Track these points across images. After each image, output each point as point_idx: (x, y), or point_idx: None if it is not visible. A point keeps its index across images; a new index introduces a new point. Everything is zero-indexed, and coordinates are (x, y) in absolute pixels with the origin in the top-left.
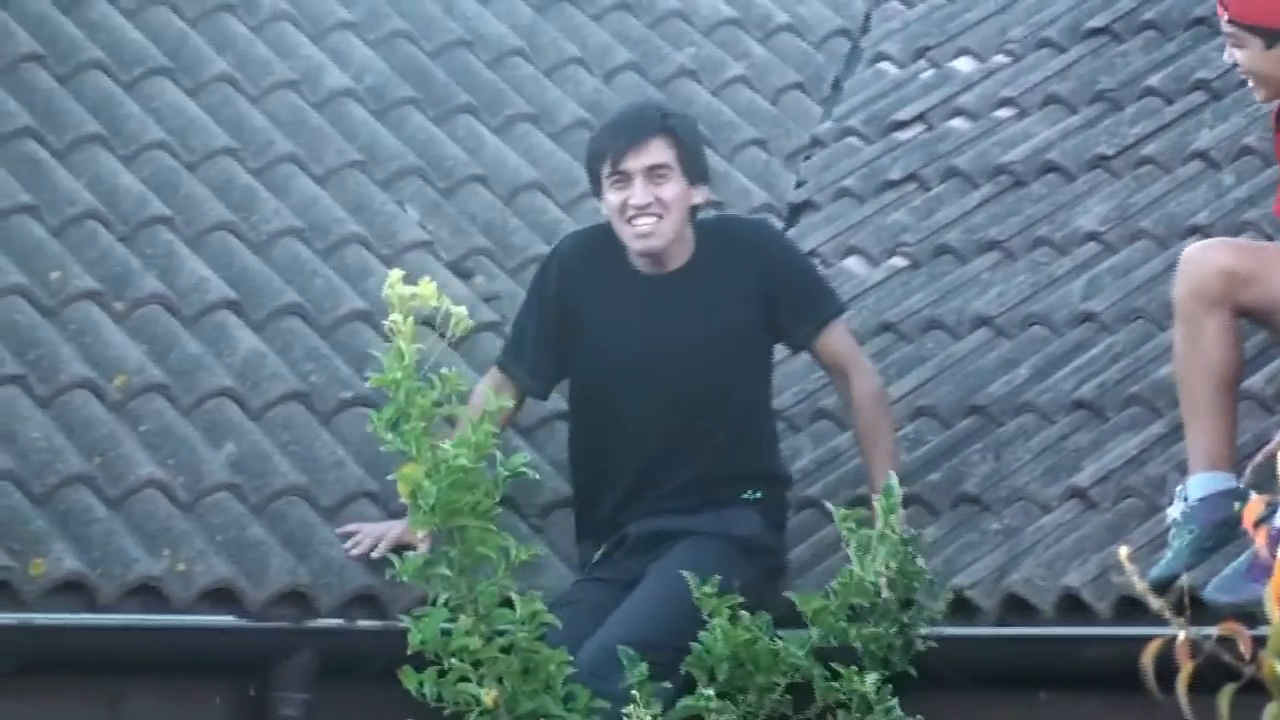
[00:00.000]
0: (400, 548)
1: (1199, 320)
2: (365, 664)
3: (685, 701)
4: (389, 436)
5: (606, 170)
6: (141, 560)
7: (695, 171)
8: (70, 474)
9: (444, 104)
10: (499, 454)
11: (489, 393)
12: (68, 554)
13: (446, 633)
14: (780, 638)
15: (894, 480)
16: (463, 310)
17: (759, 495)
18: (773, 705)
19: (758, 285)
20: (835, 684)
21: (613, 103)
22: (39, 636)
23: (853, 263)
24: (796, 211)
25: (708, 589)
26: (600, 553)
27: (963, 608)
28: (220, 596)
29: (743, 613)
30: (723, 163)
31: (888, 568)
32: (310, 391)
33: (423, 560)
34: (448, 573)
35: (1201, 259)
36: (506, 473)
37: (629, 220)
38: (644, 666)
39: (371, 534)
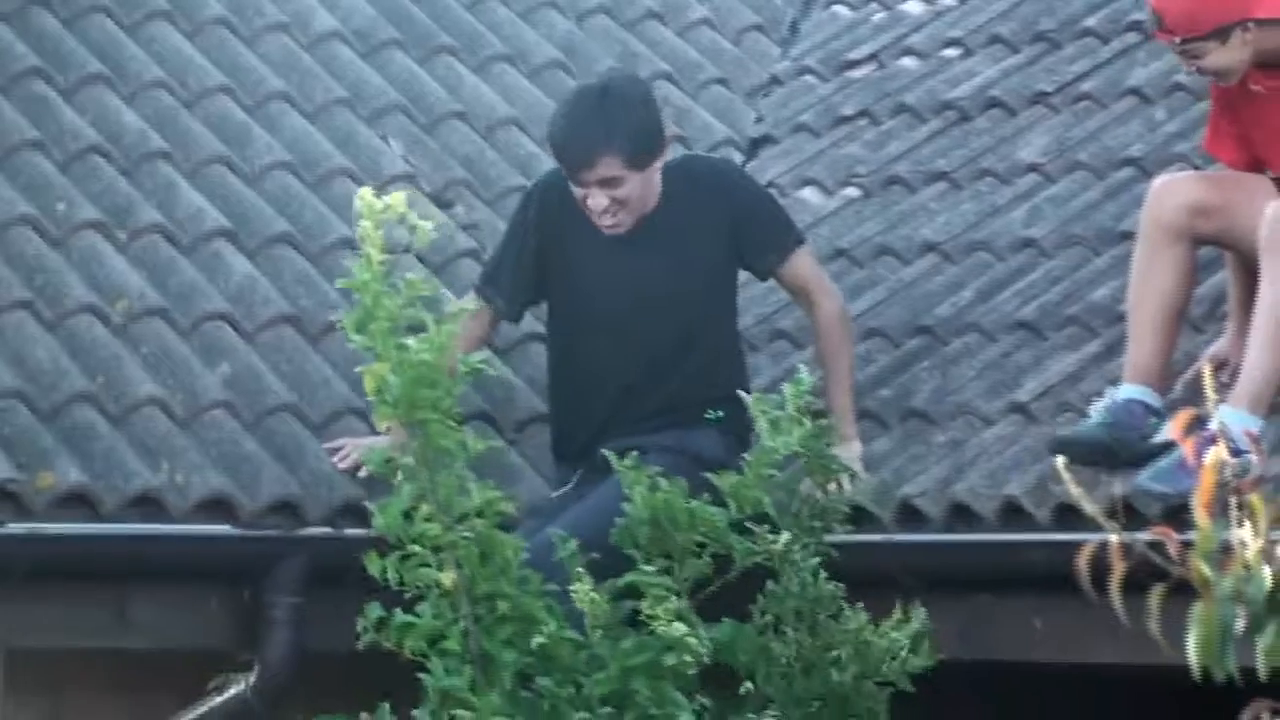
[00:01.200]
0: None
1: (1159, 249)
2: (352, 570)
3: (628, 578)
4: (356, 337)
5: (563, 170)
6: (142, 473)
7: (649, 158)
8: (75, 393)
9: (425, 45)
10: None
11: (464, 307)
12: (73, 468)
13: (408, 520)
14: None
15: (803, 372)
16: (427, 224)
17: (720, 415)
18: (698, 571)
19: (722, 221)
20: (752, 544)
21: (584, 45)
22: (47, 544)
23: (809, 193)
24: (756, 145)
25: (627, 462)
26: (576, 477)
27: (911, 515)
28: (216, 507)
29: (660, 480)
30: (687, 99)
31: (800, 451)
32: (300, 315)
33: (384, 452)
34: (410, 462)
35: (1169, 191)
36: (465, 369)
37: (591, 213)
38: (573, 544)
39: (357, 447)
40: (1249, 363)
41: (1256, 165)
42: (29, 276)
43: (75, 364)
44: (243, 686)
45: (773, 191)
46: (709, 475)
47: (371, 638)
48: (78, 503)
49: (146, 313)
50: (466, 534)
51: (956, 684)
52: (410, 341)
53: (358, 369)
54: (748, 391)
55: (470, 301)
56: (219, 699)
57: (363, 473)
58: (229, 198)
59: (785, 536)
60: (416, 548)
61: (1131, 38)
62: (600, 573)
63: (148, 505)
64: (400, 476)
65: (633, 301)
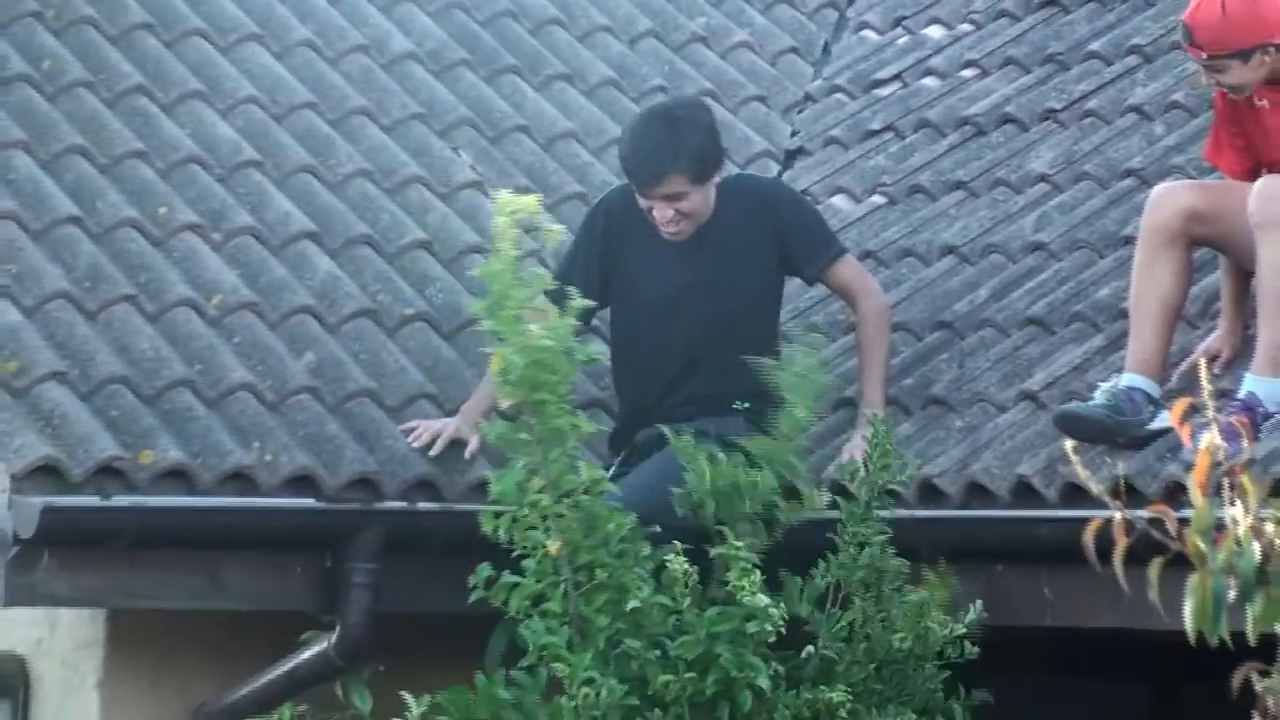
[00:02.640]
0: (452, 443)
1: (1158, 251)
2: (425, 540)
3: (718, 550)
4: (488, 320)
5: (633, 185)
6: (234, 452)
7: (709, 174)
8: (175, 379)
9: (492, 65)
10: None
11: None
12: (172, 446)
13: (521, 491)
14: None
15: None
16: (559, 227)
17: (747, 406)
18: (762, 540)
19: (769, 234)
20: (798, 502)
21: (635, 66)
22: (149, 516)
23: (839, 200)
24: (791, 157)
25: (685, 439)
26: (618, 460)
27: (931, 493)
28: (301, 482)
29: (719, 454)
30: (729, 115)
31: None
32: (378, 309)
33: (506, 426)
34: (527, 438)
35: (1167, 198)
36: (582, 358)
37: (656, 222)
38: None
39: (429, 429)
40: (1261, 332)
41: (1255, 173)
42: (133, 273)
43: (175, 353)
44: (324, 645)
45: (806, 198)
46: (741, 448)
47: (480, 594)
48: (177, 478)
49: (239, 306)
50: (572, 507)
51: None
52: (534, 327)
53: (485, 350)
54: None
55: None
56: (304, 655)
57: (433, 451)
58: (314, 203)
59: (826, 498)
60: (527, 512)
61: (1132, 60)
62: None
63: (240, 481)
64: (518, 449)
65: (680, 301)
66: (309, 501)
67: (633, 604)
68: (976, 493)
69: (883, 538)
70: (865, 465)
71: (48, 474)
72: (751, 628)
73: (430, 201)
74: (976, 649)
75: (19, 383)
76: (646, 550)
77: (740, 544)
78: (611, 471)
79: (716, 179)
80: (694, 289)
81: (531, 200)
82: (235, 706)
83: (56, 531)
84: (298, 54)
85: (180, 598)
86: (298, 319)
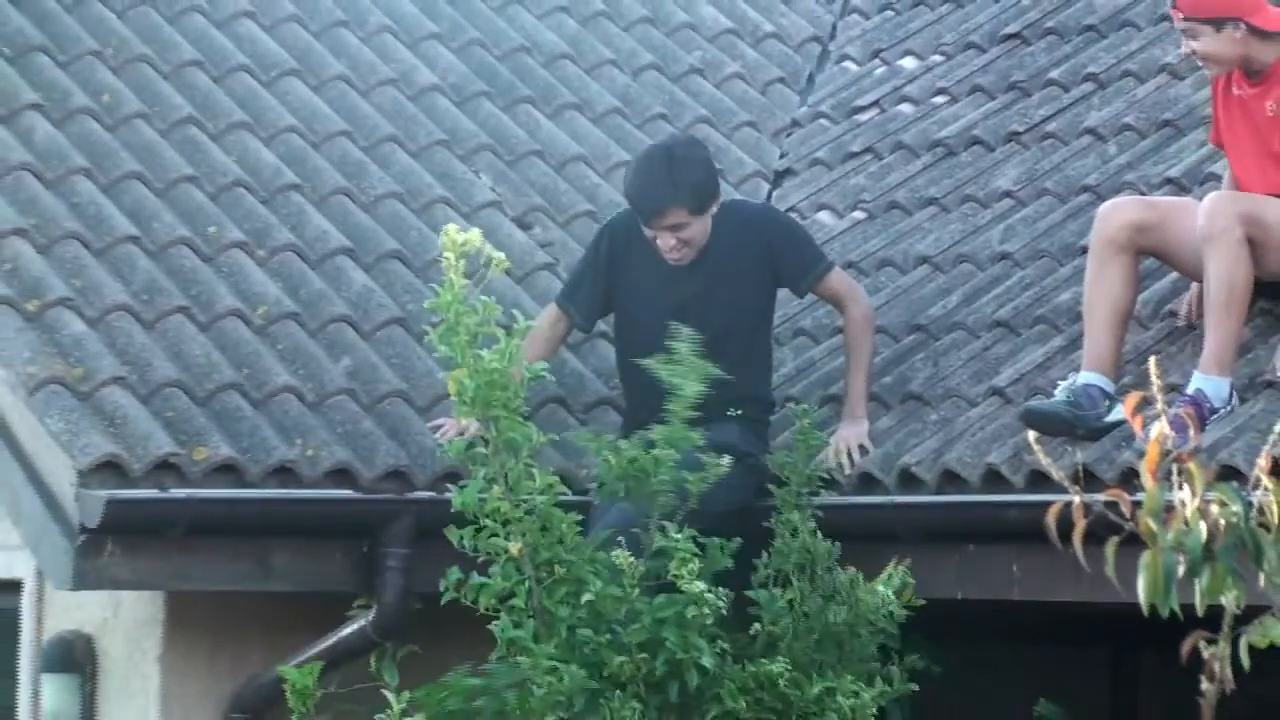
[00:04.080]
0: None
1: (1107, 260)
2: (454, 526)
3: (658, 543)
4: (441, 347)
5: (638, 217)
6: (279, 448)
7: (707, 206)
8: (224, 382)
9: (509, 96)
10: (525, 363)
11: (542, 325)
12: (223, 443)
13: (482, 499)
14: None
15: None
16: (501, 254)
17: (739, 413)
18: (664, 509)
19: (763, 256)
20: (701, 476)
21: (638, 96)
22: (202, 506)
23: (824, 215)
24: (780, 177)
25: (584, 434)
26: None
27: (910, 480)
28: (340, 475)
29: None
30: (723, 139)
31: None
32: (407, 318)
33: (465, 443)
34: (484, 451)
35: (1113, 213)
36: (530, 375)
37: (660, 249)
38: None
39: (454, 426)
40: (1208, 335)
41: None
42: (186, 287)
43: (224, 358)
44: (362, 622)
45: (794, 214)
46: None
47: (451, 595)
48: (227, 472)
49: (282, 316)
50: (529, 510)
51: (952, 622)
52: (484, 353)
53: (442, 375)
54: (770, 391)
55: (550, 312)
56: (344, 632)
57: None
58: (348, 222)
59: (727, 459)
60: (489, 521)
61: (1088, 87)
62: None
63: (284, 474)
64: (475, 463)
65: (675, 317)
66: (347, 492)
67: (586, 597)
68: (950, 479)
69: (812, 524)
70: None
71: (111, 469)
72: (691, 612)
73: (454, 220)
74: (905, 613)
75: (84, 387)
76: (595, 546)
77: (679, 535)
78: None
79: (714, 209)
80: (690, 307)
81: (475, 234)
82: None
83: (119, 521)
84: (333, 87)
85: (231, 580)
86: (335, 327)
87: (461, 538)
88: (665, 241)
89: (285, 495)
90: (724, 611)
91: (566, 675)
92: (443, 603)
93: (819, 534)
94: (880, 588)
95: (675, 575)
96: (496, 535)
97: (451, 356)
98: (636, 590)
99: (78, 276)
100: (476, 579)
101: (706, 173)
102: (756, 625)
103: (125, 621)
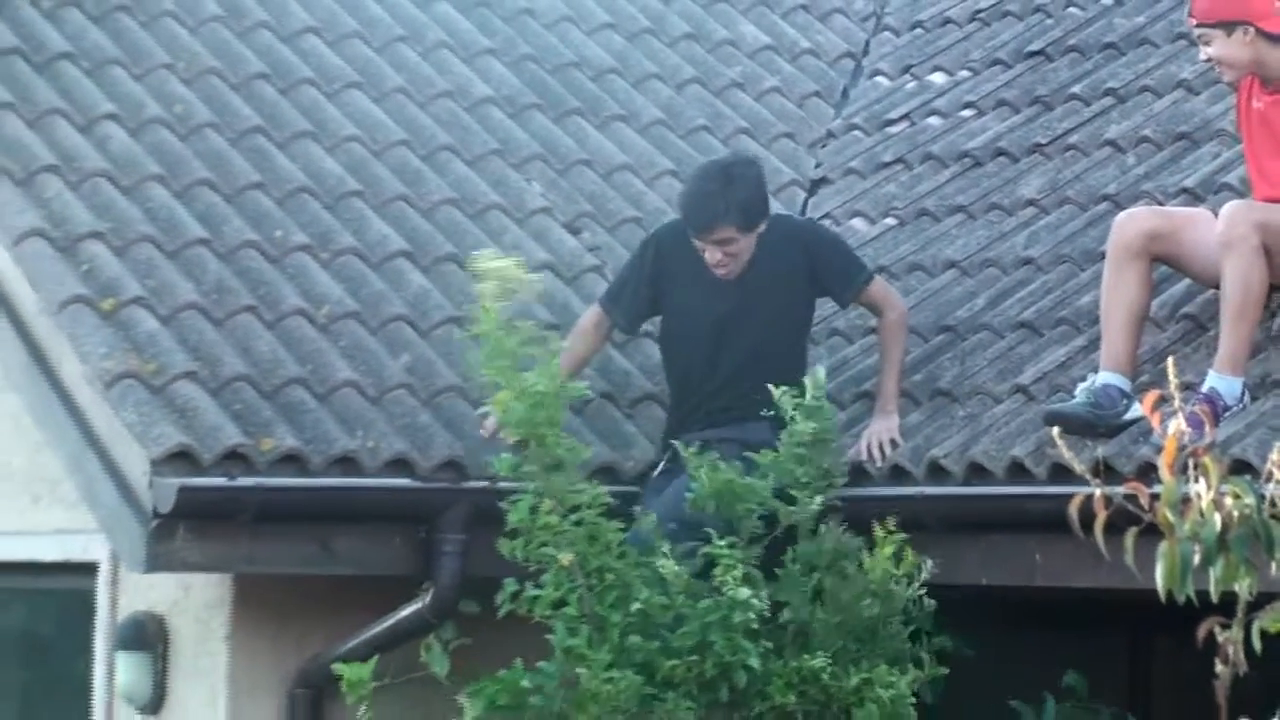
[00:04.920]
0: None
1: (1123, 266)
2: (506, 515)
3: (705, 549)
4: (485, 371)
5: (690, 230)
6: (341, 439)
7: (755, 224)
8: (289, 377)
9: (559, 108)
10: (567, 381)
11: (585, 325)
12: (288, 435)
13: (534, 512)
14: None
15: (820, 372)
16: (534, 278)
17: (772, 414)
18: (750, 530)
19: (804, 270)
20: (792, 507)
21: (682, 108)
22: (269, 494)
23: (857, 222)
24: (816, 185)
25: (691, 450)
26: (665, 459)
27: (938, 472)
28: (398, 465)
29: (719, 463)
30: (762, 149)
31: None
32: (463, 316)
33: (514, 460)
34: (533, 468)
35: (1130, 222)
36: (573, 395)
37: (709, 263)
38: (653, 518)
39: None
40: (1224, 336)
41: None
42: (254, 287)
43: (289, 354)
44: (419, 604)
45: (828, 221)
46: (752, 455)
47: (508, 606)
48: (292, 462)
49: (344, 315)
50: (578, 522)
51: (976, 608)
52: (528, 375)
53: (484, 406)
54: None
55: (594, 313)
56: (403, 613)
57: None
58: (408, 226)
59: (819, 499)
60: (540, 534)
61: (1108, 101)
62: (685, 532)
63: (346, 464)
64: (525, 479)
65: (720, 329)
66: (405, 481)
67: (635, 605)
68: (976, 472)
69: (837, 516)
70: (879, 451)
71: (182, 459)
72: (737, 617)
73: (507, 225)
74: (934, 603)
75: (157, 381)
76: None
77: (723, 543)
78: (660, 469)
79: (762, 228)
80: (733, 319)
81: (509, 263)
82: (344, 656)
83: (190, 508)
84: (393, 99)
85: (296, 564)
86: (394, 325)
87: (514, 549)
88: (713, 256)
89: (347, 484)
90: (765, 613)
91: (623, 680)
92: (500, 615)
93: (844, 530)
94: (908, 580)
95: (720, 581)
96: (546, 544)
97: (496, 380)
98: (682, 597)
99: (151, 277)
100: (531, 591)
101: (759, 192)
102: (786, 613)
103: (195, 602)
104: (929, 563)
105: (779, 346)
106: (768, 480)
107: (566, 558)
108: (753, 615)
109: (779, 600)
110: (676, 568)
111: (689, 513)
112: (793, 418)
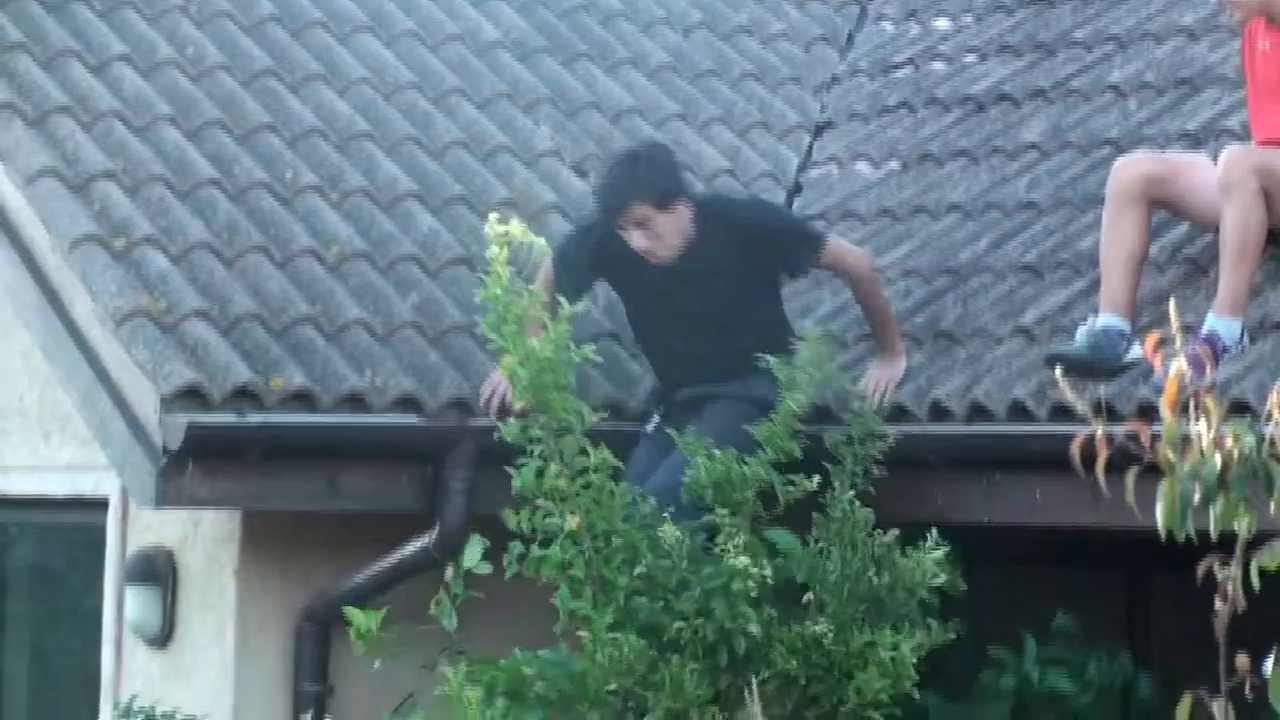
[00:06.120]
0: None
1: (1122, 210)
2: (512, 453)
3: (706, 518)
4: (494, 336)
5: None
6: (350, 378)
7: (670, 199)
8: (299, 316)
9: (568, 51)
10: (572, 345)
11: (545, 280)
12: (297, 373)
13: (540, 478)
14: (745, 462)
15: (813, 339)
16: (541, 240)
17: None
18: (752, 513)
19: (749, 247)
20: (791, 486)
21: (689, 53)
22: (278, 432)
23: (861, 165)
24: (820, 129)
25: (688, 439)
26: (658, 414)
27: (940, 412)
28: (406, 403)
29: (715, 451)
30: (769, 94)
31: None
32: (471, 258)
33: (521, 425)
34: (540, 433)
35: (1129, 166)
36: (578, 359)
37: (635, 249)
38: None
39: (503, 383)
40: (1223, 279)
41: None
42: (264, 227)
43: (299, 294)
44: (425, 541)
45: (833, 164)
46: (749, 428)
47: (515, 569)
48: (301, 400)
49: (353, 255)
50: (586, 485)
51: (978, 546)
52: (534, 341)
53: (495, 365)
54: (789, 333)
55: (547, 270)
56: (409, 549)
57: (494, 408)
58: (417, 168)
59: (816, 479)
60: (543, 502)
61: (1110, 47)
62: (686, 513)
63: (354, 402)
64: (532, 443)
65: (666, 299)
66: (413, 419)
67: (639, 570)
68: (978, 412)
69: (850, 494)
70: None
71: (192, 396)
72: (736, 585)
73: (515, 167)
74: (944, 579)
75: (168, 319)
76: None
77: (724, 511)
78: (654, 424)
79: (682, 206)
80: (675, 290)
81: (516, 224)
82: (351, 591)
83: (200, 445)
84: (403, 42)
85: (304, 500)
86: (403, 265)
87: (519, 520)
88: (638, 241)
89: (355, 422)
90: (768, 580)
91: (626, 644)
92: (507, 577)
93: (857, 505)
94: (922, 555)
95: (721, 550)
96: (552, 515)
97: (504, 345)
98: (685, 561)
99: (162, 217)
100: (536, 551)
101: (669, 170)
102: (809, 595)
103: (204, 538)
104: (934, 530)
105: (746, 312)
106: (766, 456)
107: (575, 521)
108: (751, 583)
109: (782, 568)
110: (678, 534)
111: (685, 499)
112: (785, 388)
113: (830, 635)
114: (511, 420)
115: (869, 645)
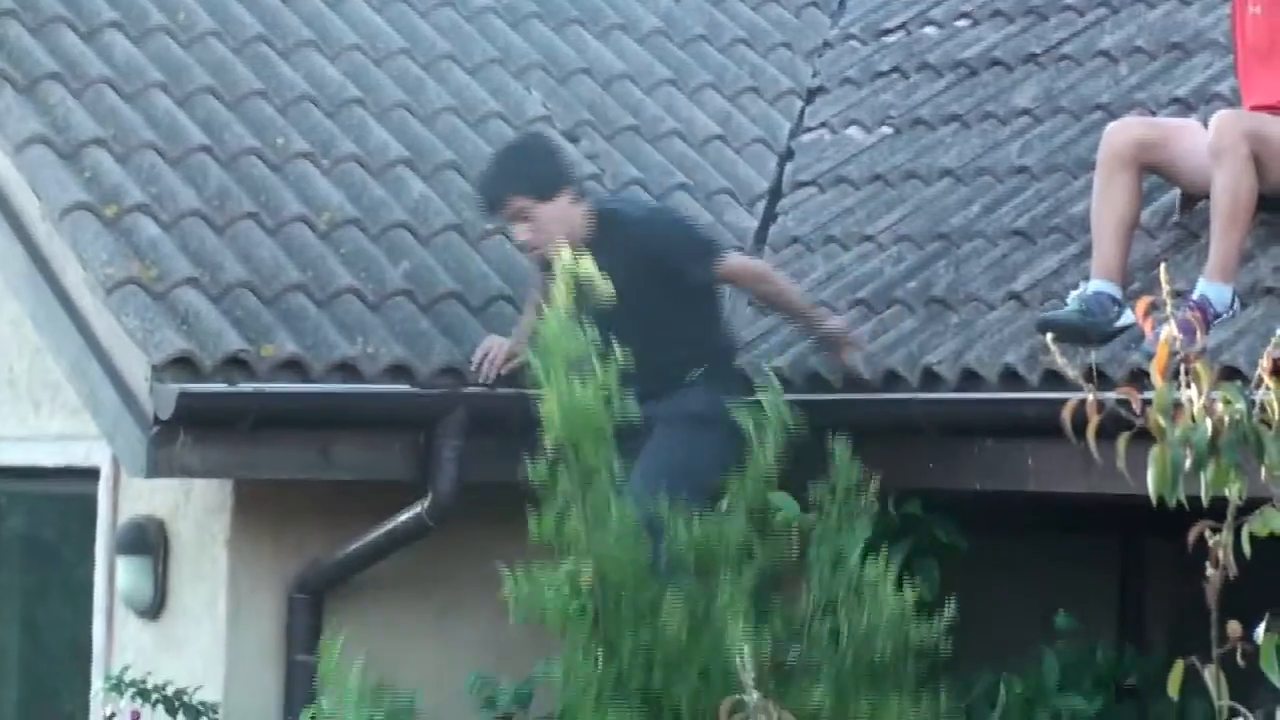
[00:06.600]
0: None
1: (1113, 175)
2: (504, 420)
3: (715, 599)
4: (535, 361)
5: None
6: (341, 345)
7: (549, 191)
8: (290, 283)
9: (559, 16)
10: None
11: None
12: (289, 340)
13: (560, 523)
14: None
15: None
16: (600, 276)
17: (700, 373)
18: (748, 580)
19: (646, 261)
20: (775, 540)
21: (680, 17)
22: (269, 400)
23: (853, 131)
24: (812, 94)
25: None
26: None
27: (932, 378)
28: (398, 371)
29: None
30: (760, 59)
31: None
32: (463, 224)
33: (547, 467)
34: (566, 477)
35: (1120, 131)
36: (619, 418)
37: (519, 243)
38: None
39: (498, 346)
40: (1214, 244)
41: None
42: (255, 194)
43: (290, 261)
44: (418, 509)
45: (825, 129)
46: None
47: (523, 613)
48: (292, 368)
49: (345, 222)
50: (606, 540)
51: (970, 513)
52: (578, 385)
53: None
54: (723, 337)
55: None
56: (401, 518)
57: (490, 377)
58: (408, 134)
59: (820, 522)
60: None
61: (1102, 11)
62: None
63: (346, 370)
64: (556, 485)
65: (610, 321)
66: (405, 387)
67: (643, 639)
68: (970, 378)
69: (860, 548)
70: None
71: (183, 365)
72: (735, 666)
73: (507, 133)
74: (950, 647)
75: (159, 287)
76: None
77: (729, 590)
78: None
79: (562, 199)
80: (613, 309)
81: (586, 264)
82: (343, 560)
83: (191, 413)
84: (394, 7)
85: (295, 469)
86: (395, 232)
87: (515, 591)
88: (520, 235)
89: (346, 390)
90: (766, 654)
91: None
92: (512, 622)
93: (867, 559)
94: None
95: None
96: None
97: (545, 378)
98: (685, 637)
99: (153, 184)
100: (540, 595)
101: (546, 159)
102: (793, 654)
103: (196, 507)
104: (950, 605)
105: (670, 327)
106: (739, 513)
107: (587, 577)
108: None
109: (782, 640)
110: (678, 604)
111: (665, 567)
112: (755, 441)
113: (829, 703)
114: (538, 464)
115: (874, 713)
